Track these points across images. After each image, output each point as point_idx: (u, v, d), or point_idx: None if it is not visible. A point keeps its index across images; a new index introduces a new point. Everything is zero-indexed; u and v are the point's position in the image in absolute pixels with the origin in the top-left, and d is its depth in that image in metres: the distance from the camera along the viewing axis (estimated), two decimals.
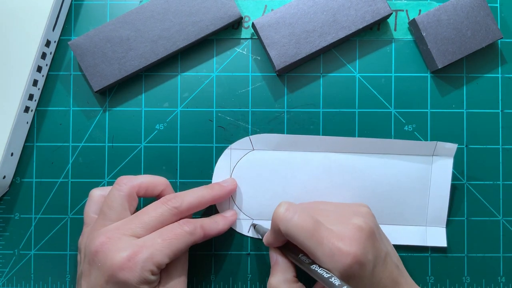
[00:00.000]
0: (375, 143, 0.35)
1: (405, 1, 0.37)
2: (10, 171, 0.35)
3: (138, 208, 0.32)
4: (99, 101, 0.37)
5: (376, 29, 0.37)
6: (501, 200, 0.36)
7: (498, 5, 0.37)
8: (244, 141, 0.36)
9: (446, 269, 0.36)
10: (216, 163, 0.36)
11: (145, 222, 0.29)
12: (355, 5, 0.35)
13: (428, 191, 0.35)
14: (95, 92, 0.35)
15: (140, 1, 0.37)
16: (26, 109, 0.35)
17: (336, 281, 0.24)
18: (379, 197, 0.35)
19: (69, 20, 0.37)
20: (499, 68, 0.37)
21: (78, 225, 0.36)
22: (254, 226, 0.35)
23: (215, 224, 0.32)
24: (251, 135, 0.36)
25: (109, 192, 0.31)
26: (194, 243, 0.30)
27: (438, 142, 0.35)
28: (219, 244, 0.36)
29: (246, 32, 0.37)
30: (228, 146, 0.36)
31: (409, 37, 0.37)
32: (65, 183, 0.36)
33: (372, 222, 0.29)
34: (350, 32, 0.35)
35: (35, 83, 0.35)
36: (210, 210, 0.36)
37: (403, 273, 0.30)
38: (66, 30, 0.37)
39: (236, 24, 0.37)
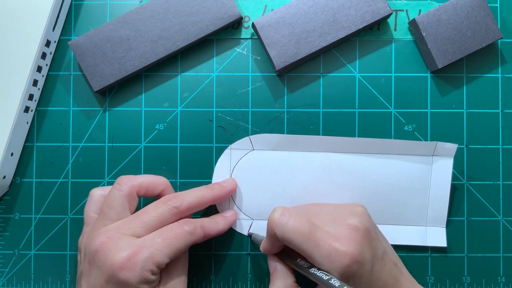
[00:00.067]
0: (375, 143, 0.35)
1: (405, 1, 0.37)
2: (10, 171, 0.35)
3: (138, 208, 0.32)
4: (99, 101, 0.37)
5: (376, 29, 0.37)
6: (501, 200, 0.36)
7: (498, 5, 0.37)
8: (244, 141, 0.36)
9: (446, 269, 0.36)
10: (216, 163, 0.36)
11: (145, 222, 0.29)
12: (355, 5, 0.35)
13: (428, 191, 0.35)
14: (95, 92, 0.35)
15: (140, 1, 0.37)
16: (26, 109, 0.35)
17: (335, 282, 0.24)
18: (379, 197, 0.35)
19: (69, 20, 0.37)
20: (499, 68, 0.37)
21: (78, 225, 0.36)
22: (250, 235, 0.35)
23: (215, 224, 0.32)
24: (251, 135, 0.36)
25: (109, 191, 0.31)
26: (194, 243, 0.30)
27: (438, 142, 0.35)
28: (219, 244, 0.36)
29: (246, 32, 0.37)
30: (228, 146, 0.36)
31: (409, 37, 0.37)
32: (65, 183, 0.36)
33: (368, 222, 0.29)
34: (350, 32, 0.35)
35: (35, 83, 0.35)
36: (210, 210, 0.36)
37: (402, 270, 0.30)
38: (66, 30, 0.37)
39: (236, 24, 0.37)
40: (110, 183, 0.36)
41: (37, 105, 0.36)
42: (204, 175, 0.36)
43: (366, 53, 0.37)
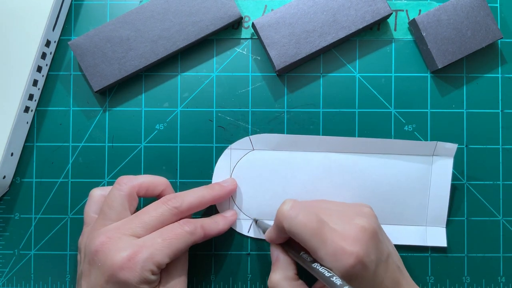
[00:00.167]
0: (375, 143, 0.35)
1: (405, 1, 0.37)
2: (10, 171, 0.35)
3: (138, 208, 0.32)
4: (99, 101, 0.37)
5: (376, 29, 0.37)
6: (501, 200, 0.36)
7: (498, 5, 0.37)
8: (244, 141, 0.36)
9: (446, 269, 0.36)
10: (216, 163, 0.36)
11: (145, 222, 0.29)
12: (355, 5, 0.35)
13: (428, 191, 0.35)
14: (95, 92, 0.35)
15: (140, 1, 0.37)
16: (26, 109, 0.35)
17: (337, 280, 0.24)
18: (379, 197, 0.35)
19: (69, 20, 0.37)
20: (499, 68, 0.37)
21: (78, 225, 0.36)
22: (256, 221, 0.35)
23: (215, 224, 0.32)
24: (251, 135, 0.36)
25: (110, 192, 0.31)
26: (194, 243, 0.30)
27: (438, 142, 0.35)
28: (219, 244, 0.36)
29: (246, 32, 0.37)
30: (228, 146, 0.36)
31: (409, 37, 0.37)
32: (65, 183, 0.36)
33: (375, 223, 0.29)
34: (350, 32, 0.35)
35: (35, 83, 0.35)
36: (210, 210, 0.36)
37: (404, 274, 0.30)
38: (66, 30, 0.37)
39: (236, 24, 0.37)
40: (110, 183, 0.36)
41: (37, 105, 0.36)
42: (204, 175, 0.36)
43: (366, 53, 0.37)
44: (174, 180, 0.36)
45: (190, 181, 0.36)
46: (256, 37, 0.37)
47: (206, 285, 0.36)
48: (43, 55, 0.35)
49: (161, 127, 0.36)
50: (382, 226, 0.34)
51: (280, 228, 0.28)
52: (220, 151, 0.36)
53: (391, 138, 0.36)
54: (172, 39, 0.35)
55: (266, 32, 0.35)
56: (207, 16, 0.35)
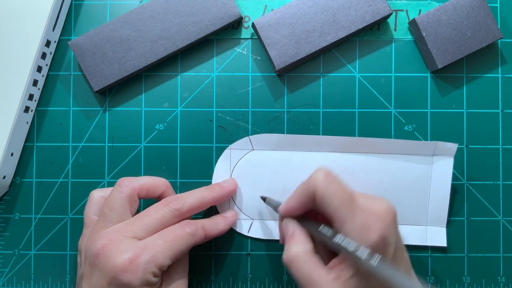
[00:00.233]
0: (375, 143, 0.35)
1: (405, 1, 0.37)
2: (10, 171, 0.35)
3: (138, 209, 0.32)
4: (99, 101, 0.37)
5: (376, 29, 0.37)
6: (501, 200, 0.36)
7: (498, 5, 0.37)
8: (244, 141, 0.36)
9: (446, 269, 0.36)
10: (216, 163, 0.36)
11: (147, 224, 0.29)
12: (355, 5, 0.35)
13: (429, 191, 0.35)
14: (95, 92, 0.35)
15: (140, 1, 0.37)
16: (26, 109, 0.35)
17: (364, 252, 0.24)
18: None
19: (69, 20, 0.37)
20: (499, 68, 0.37)
21: (78, 225, 0.36)
22: (264, 199, 0.34)
23: (215, 225, 0.32)
24: (251, 135, 0.36)
25: (110, 193, 0.30)
26: (195, 244, 0.30)
27: (438, 142, 0.35)
28: (219, 244, 0.36)
29: (246, 32, 0.37)
30: (228, 146, 0.36)
31: (409, 37, 0.37)
32: (65, 183, 0.36)
33: (395, 209, 0.29)
34: (350, 32, 0.35)
35: (35, 83, 0.35)
36: (210, 210, 0.36)
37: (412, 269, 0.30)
38: (66, 30, 0.37)
39: (236, 24, 0.37)
40: (110, 183, 0.36)
41: (37, 105, 0.36)
42: (204, 175, 0.36)
43: (366, 53, 0.37)
44: (174, 180, 0.36)
45: (190, 181, 0.36)
46: (256, 37, 0.37)
47: (206, 285, 0.36)
48: (43, 55, 0.35)
49: (161, 127, 0.36)
50: None
51: (310, 195, 0.28)
52: (220, 151, 0.36)
53: (391, 138, 0.36)
54: (172, 39, 0.35)
55: (266, 32, 0.35)
56: (207, 16, 0.35)
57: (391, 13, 0.35)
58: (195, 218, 0.35)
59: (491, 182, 0.36)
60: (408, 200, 0.35)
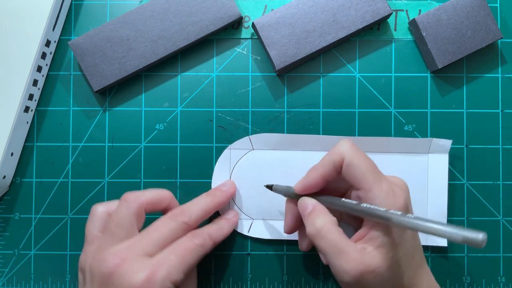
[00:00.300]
0: (373, 141, 0.35)
1: (405, 1, 0.37)
2: (10, 171, 0.35)
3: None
4: (99, 101, 0.37)
5: (376, 29, 0.37)
6: (501, 200, 0.36)
7: (498, 5, 0.37)
8: (243, 141, 0.36)
9: (446, 269, 0.36)
10: (216, 163, 0.36)
11: (156, 240, 0.28)
12: (355, 5, 0.35)
13: (426, 189, 0.35)
14: (95, 92, 0.35)
15: (140, 1, 0.37)
16: (26, 109, 0.35)
17: (395, 213, 0.24)
18: None
19: (69, 20, 0.37)
20: (499, 68, 0.37)
21: (78, 225, 0.36)
22: (271, 187, 0.33)
23: (220, 230, 0.32)
24: (251, 135, 0.36)
25: (117, 209, 0.29)
26: (205, 254, 0.29)
27: (434, 138, 0.35)
28: (219, 244, 0.36)
29: (246, 32, 0.37)
30: (228, 146, 0.36)
31: (409, 37, 0.37)
32: (65, 183, 0.36)
33: None
34: (350, 32, 0.35)
35: (35, 83, 0.35)
36: None
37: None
38: (66, 30, 0.37)
39: (236, 24, 0.37)
40: (110, 183, 0.36)
41: (37, 105, 0.36)
42: (204, 175, 0.36)
43: (366, 53, 0.37)
44: (174, 180, 0.36)
45: (190, 181, 0.36)
46: (256, 37, 0.37)
47: (206, 285, 0.36)
48: (43, 55, 0.35)
49: (161, 127, 0.36)
50: None
51: (336, 164, 0.28)
52: (220, 151, 0.36)
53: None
54: (172, 39, 0.35)
55: (266, 32, 0.35)
56: (207, 16, 0.35)
57: (391, 13, 0.35)
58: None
59: (491, 182, 0.36)
60: None
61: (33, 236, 0.36)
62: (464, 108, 0.36)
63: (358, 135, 0.36)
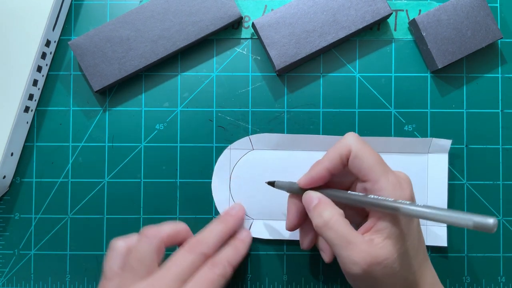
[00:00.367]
0: (373, 141, 0.35)
1: (405, 1, 0.37)
2: (10, 171, 0.35)
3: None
4: (99, 101, 0.37)
5: (376, 29, 0.37)
6: (501, 200, 0.36)
7: (498, 5, 0.37)
8: (243, 141, 0.36)
9: (446, 269, 0.36)
10: (216, 163, 0.36)
11: (178, 274, 0.28)
12: (355, 5, 0.35)
13: (426, 189, 0.35)
14: (95, 92, 0.35)
15: (140, 1, 0.37)
16: (26, 109, 0.35)
17: (404, 202, 0.24)
18: None
19: (69, 20, 0.37)
20: (499, 68, 0.37)
21: (78, 225, 0.36)
22: (273, 183, 0.33)
23: (238, 254, 0.31)
24: (251, 135, 0.36)
25: (138, 245, 0.29)
26: (226, 283, 0.29)
27: (433, 138, 0.35)
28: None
29: (246, 32, 0.37)
30: (228, 146, 0.36)
31: (409, 37, 0.37)
32: (65, 183, 0.36)
33: None
34: (350, 32, 0.35)
35: (35, 83, 0.35)
36: (209, 210, 0.36)
37: None
38: (66, 30, 0.37)
39: (236, 24, 0.37)
40: (110, 183, 0.36)
41: (37, 105, 0.36)
42: (204, 175, 0.36)
43: (366, 53, 0.37)
44: (174, 180, 0.36)
45: (190, 181, 0.36)
46: (256, 37, 0.37)
47: None
48: (43, 55, 0.35)
49: (161, 127, 0.36)
50: None
51: (343, 156, 0.28)
52: (220, 151, 0.36)
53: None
54: (172, 39, 0.35)
55: (266, 32, 0.35)
56: (207, 16, 0.35)
57: (391, 13, 0.35)
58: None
59: (491, 182, 0.36)
60: None
61: (33, 236, 0.36)
62: (464, 108, 0.36)
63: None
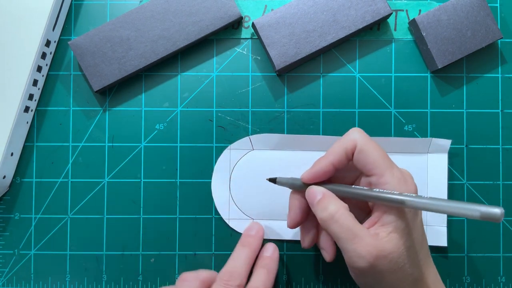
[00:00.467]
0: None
1: (405, 1, 0.37)
2: (10, 171, 0.35)
3: None
4: (99, 101, 0.37)
5: (376, 29, 0.37)
6: (501, 200, 0.36)
7: (498, 5, 0.37)
8: (243, 141, 0.36)
9: (446, 269, 0.36)
10: (216, 163, 0.36)
11: None
12: (355, 5, 0.35)
13: (426, 189, 0.35)
14: (95, 92, 0.35)
15: (140, 1, 0.37)
16: (26, 109, 0.35)
17: (410, 195, 0.24)
18: None
19: (69, 20, 0.37)
20: (499, 68, 0.37)
21: (78, 225, 0.36)
22: (274, 180, 0.33)
23: (270, 274, 0.31)
24: (251, 135, 0.36)
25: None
26: None
27: (433, 138, 0.35)
28: (219, 244, 0.36)
29: (246, 32, 0.37)
30: (228, 146, 0.36)
31: (409, 37, 0.37)
32: (65, 183, 0.36)
33: None
34: (350, 32, 0.35)
35: (35, 83, 0.35)
36: (209, 210, 0.36)
37: None
38: (66, 30, 0.37)
39: (236, 24, 0.37)
40: (110, 183, 0.36)
41: (37, 105, 0.36)
42: (204, 175, 0.36)
43: (366, 53, 0.37)
44: (174, 180, 0.36)
45: (190, 181, 0.36)
46: (256, 37, 0.37)
47: None
48: (43, 55, 0.35)
49: (161, 127, 0.36)
50: None
51: (348, 151, 0.28)
52: (220, 151, 0.36)
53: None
54: (172, 39, 0.35)
55: (266, 32, 0.35)
56: (207, 16, 0.35)
57: (391, 13, 0.35)
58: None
59: (491, 182, 0.36)
60: None
61: (33, 236, 0.36)
62: (464, 108, 0.36)
63: None
